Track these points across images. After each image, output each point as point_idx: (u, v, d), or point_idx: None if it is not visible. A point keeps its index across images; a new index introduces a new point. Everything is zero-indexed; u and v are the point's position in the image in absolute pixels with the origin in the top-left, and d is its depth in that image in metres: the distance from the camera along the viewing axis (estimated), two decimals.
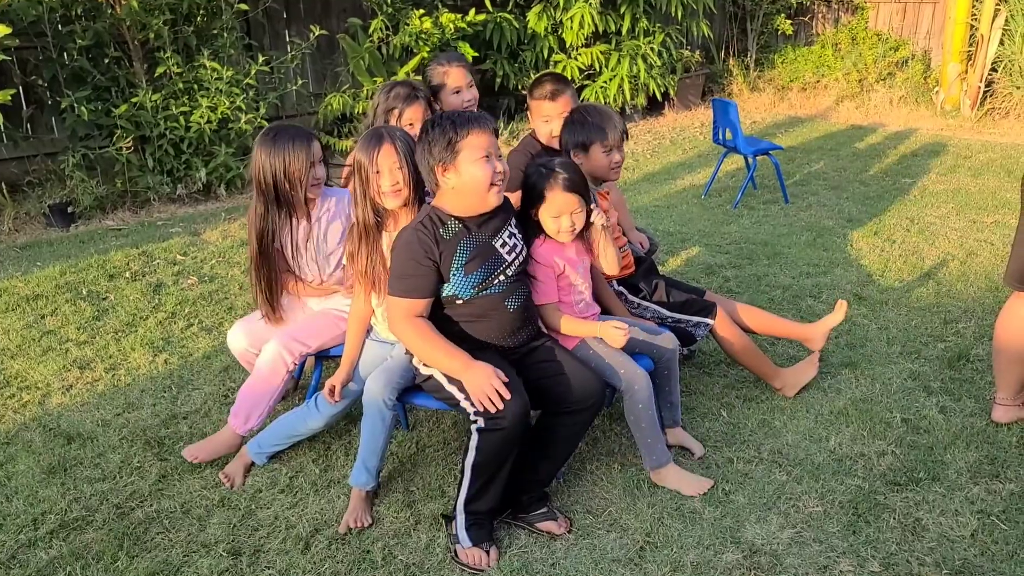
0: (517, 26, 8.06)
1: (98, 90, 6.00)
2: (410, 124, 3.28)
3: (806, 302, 4.26)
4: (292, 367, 2.98)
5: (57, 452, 3.06)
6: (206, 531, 2.64)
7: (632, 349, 2.82)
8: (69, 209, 5.75)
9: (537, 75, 3.63)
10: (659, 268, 3.75)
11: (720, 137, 6.27)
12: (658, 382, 2.93)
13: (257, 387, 2.97)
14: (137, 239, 5.39)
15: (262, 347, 2.99)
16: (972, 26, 8.66)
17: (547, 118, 3.27)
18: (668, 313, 3.23)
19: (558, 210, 2.68)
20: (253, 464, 2.94)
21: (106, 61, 5.99)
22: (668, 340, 2.92)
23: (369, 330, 2.90)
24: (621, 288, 3.26)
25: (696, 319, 3.22)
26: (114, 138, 5.82)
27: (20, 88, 6.12)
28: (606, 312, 3.04)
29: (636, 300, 3.26)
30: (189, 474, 2.92)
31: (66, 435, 3.16)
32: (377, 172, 2.61)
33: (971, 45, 8.69)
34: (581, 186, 2.70)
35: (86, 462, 3.00)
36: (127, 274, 4.78)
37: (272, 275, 3.03)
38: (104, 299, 4.44)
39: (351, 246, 2.74)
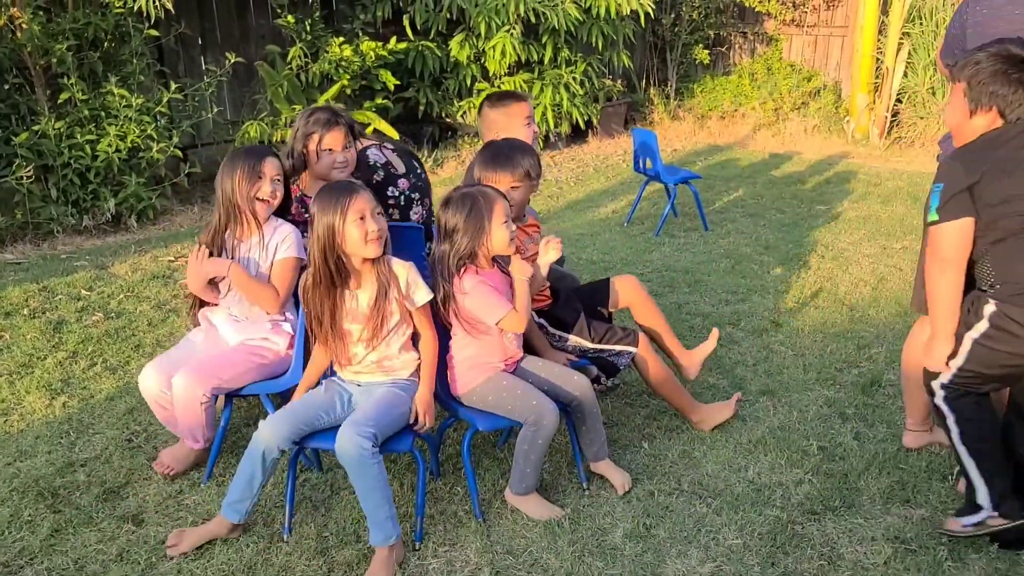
0: (440, 54, 8.05)
1: None
2: (329, 150, 3.22)
3: (725, 330, 4.29)
4: (205, 399, 2.84)
5: None
6: None
7: (542, 388, 2.79)
8: None
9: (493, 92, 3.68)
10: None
11: (641, 166, 6.34)
12: (574, 423, 2.91)
13: (184, 418, 2.89)
14: (38, 273, 5.12)
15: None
16: (878, 59, 9.02)
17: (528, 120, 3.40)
18: (590, 345, 3.20)
19: (507, 213, 2.73)
20: (234, 529, 2.68)
21: (5, 88, 5.73)
22: (579, 386, 2.84)
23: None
24: (542, 320, 3.22)
25: (618, 348, 3.20)
26: (13, 167, 5.55)
27: None
28: (527, 348, 3.00)
29: (557, 333, 3.22)
30: (84, 527, 2.75)
31: None
32: (362, 218, 2.54)
33: (878, 77, 9.04)
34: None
35: None
36: (25, 311, 4.53)
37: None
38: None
39: (306, 283, 2.66)
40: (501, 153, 3.02)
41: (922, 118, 8.85)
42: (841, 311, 4.55)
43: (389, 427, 2.61)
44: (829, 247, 5.69)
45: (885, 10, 8.91)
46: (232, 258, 2.97)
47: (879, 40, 9.00)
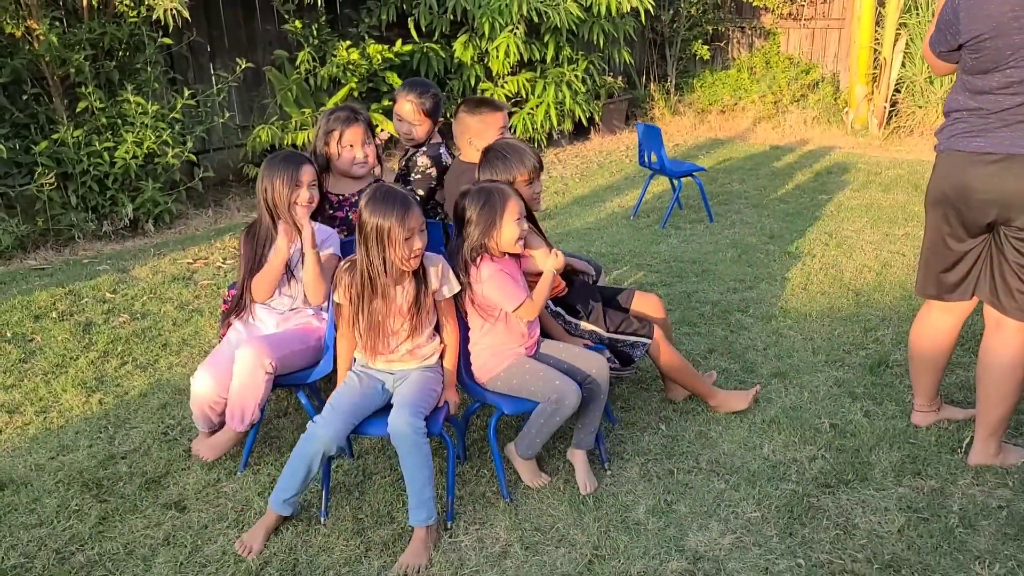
0: (444, 56, 8.18)
1: (16, 127, 5.85)
2: (350, 146, 3.37)
3: (734, 316, 4.42)
4: (272, 369, 2.95)
5: None
6: (152, 571, 2.60)
7: (561, 369, 2.92)
8: None
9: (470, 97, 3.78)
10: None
11: (646, 160, 6.46)
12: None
13: (242, 391, 2.98)
14: (62, 278, 5.25)
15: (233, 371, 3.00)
16: (876, 50, 9.13)
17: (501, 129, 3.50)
18: (605, 334, 3.32)
19: (519, 212, 2.84)
20: (284, 520, 2.80)
21: (24, 98, 5.85)
22: (596, 365, 2.94)
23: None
24: (558, 309, 3.34)
25: (633, 339, 3.31)
26: (35, 175, 5.68)
27: None
28: (544, 332, 3.13)
29: (574, 321, 3.35)
30: (131, 514, 2.87)
31: None
32: (409, 238, 2.64)
33: (875, 68, 9.16)
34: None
35: (20, 508, 2.92)
36: (54, 314, 4.66)
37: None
38: (30, 340, 4.32)
39: (349, 281, 2.76)
40: (506, 152, 3.13)
41: (920, 107, 8.97)
42: (847, 296, 4.67)
43: (429, 407, 2.75)
44: (833, 235, 5.81)
45: (882, 1, 9.02)
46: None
47: (876, 31, 9.11)
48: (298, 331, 3.13)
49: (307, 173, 3.10)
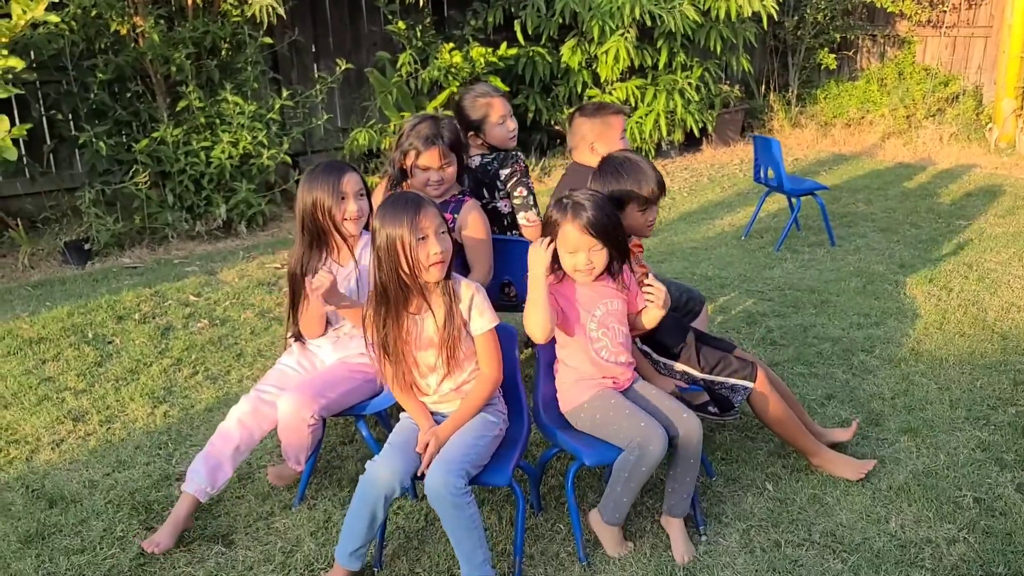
0: (550, 60, 7.87)
1: (119, 124, 5.88)
2: (424, 168, 3.09)
3: (858, 357, 3.90)
4: (313, 421, 2.67)
5: (37, 517, 2.81)
6: None
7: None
8: (86, 246, 5.60)
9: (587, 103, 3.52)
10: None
11: (762, 175, 5.95)
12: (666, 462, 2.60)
13: (287, 436, 2.73)
14: (151, 278, 5.20)
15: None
16: None
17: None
18: (699, 375, 2.90)
19: (573, 246, 2.47)
20: None
21: (128, 95, 5.88)
22: (687, 425, 2.51)
23: None
24: (645, 348, 2.94)
25: (732, 382, 2.88)
26: (132, 173, 5.68)
27: (43, 122, 6.02)
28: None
29: (662, 360, 2.94)
30: (174, 546, 2.65)
31: (49, 497, 2.91)
32: (424, 237, 2.33)
33: None
34: (603, 228, 2.46)
35: (66, 529, 2.75)
36: (136, 316, 4.58)
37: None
38: (110, 343, 4.23)
39: (368, 310, 2.48)
40: (623, 169, 2.79)
41: None
42: (991, 340, 4.08)
43: (481, 458, 2.40)
44: (973, 267, 5.16)
45: None
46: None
47: None
48: (349, 368, 2.82)
49: (351, 182, 2.75)
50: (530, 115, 8.17)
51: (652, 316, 2.64)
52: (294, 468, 2.83)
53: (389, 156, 3.21)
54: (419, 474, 2.36)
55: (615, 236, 2.51)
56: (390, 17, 7.32)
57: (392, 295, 2.38)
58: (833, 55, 9.94)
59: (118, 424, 3.44)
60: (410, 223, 2.30)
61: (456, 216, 3.18)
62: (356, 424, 2.90)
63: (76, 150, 6.06)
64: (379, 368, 2.51)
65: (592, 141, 3.29)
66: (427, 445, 2.37)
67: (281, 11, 5.77)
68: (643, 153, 8.42)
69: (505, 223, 3.52)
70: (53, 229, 5.88)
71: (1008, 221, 6.17)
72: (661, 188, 2.79)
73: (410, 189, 3.17)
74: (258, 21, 5.87)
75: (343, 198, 2.73)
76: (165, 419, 3.47)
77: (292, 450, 2.77)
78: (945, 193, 7.09)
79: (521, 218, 3.46)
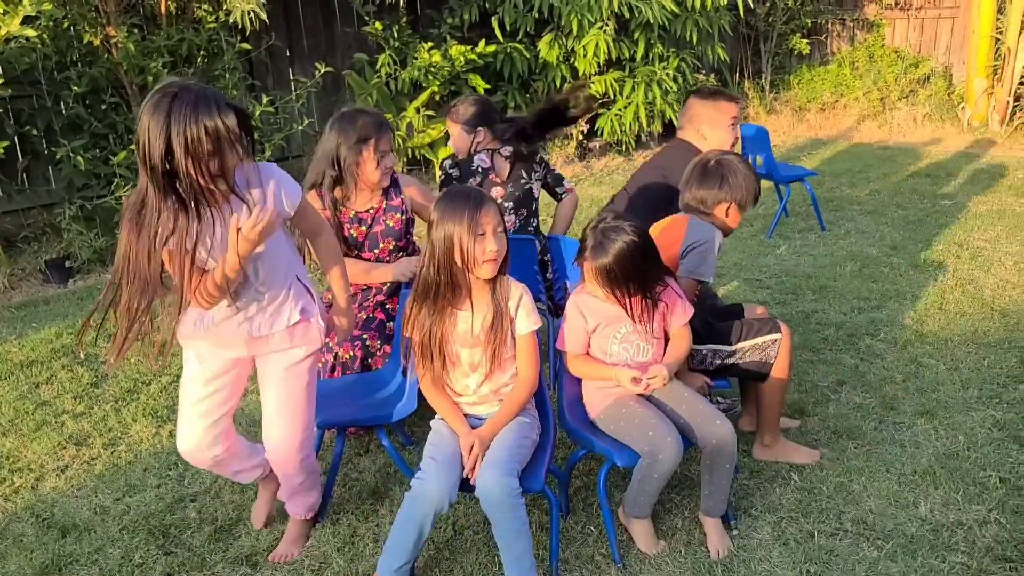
0: (528, 56, 7.81)
1: (95, 138, 5.72)
2: (383, 153, 3.11)
3: (864, 341, 3.91)
4: (302, 478, 2.58)
5: (51, 548, 2.71)
6: None
7: (677, 422, 2.52)
8: (67, 264, 5.45)
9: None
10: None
11: (751, 163, 5.94)
12: (702, 467, 2.56)
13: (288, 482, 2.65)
14: None
15: None
16: (997, 39, 8.38)
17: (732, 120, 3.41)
18: (729, 348, 2.87)
19: (589, 280, 2.53)
20: None
21: (103, 107, 5.73)
22: (719, 432, 2.46)
23: None
24: None
25: (762, 339, 2.85)
26: (113, 187, 5.54)
27: (15, 139, 5.85)
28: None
29: (694, 348, 2.91)
30: (197, 570, 2.58)
31: (61, 526, 2.82)
32: (482, 234, 2.28)
33: (997, 59, 8.40)
34: (618, 279, 2.46)
35: (83, 559, 2.66)
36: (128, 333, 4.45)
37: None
38: (103, 363, 4.11)
39: (410, 309, 2.43)
40: (728, 174, 2.82)
41: None
42: (992, 317, 4.11)
43: (524, 460, 2.36)
44: (964, 245, 5.21)
45: None
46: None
47: (998, 19, 8.35)
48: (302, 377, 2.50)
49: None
50: (510, 111, 8.10)
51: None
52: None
53: (317, 167, 3.14)
54: (471, 481, 2.30)
55: (629, 286, 2.47)
56: (366, 18, 7.22)
57: (440, 290, 2.34)
58: (805, 40, 10.00)
59: (123, 446, 3.34)
60: (470, 218, 2.26)
61: (401, 194, 3.26)
62: (377, 434, 2.84)
63: (51, 166, 5.90)
64: (417, 368, 2.46)
65: (700, 124, 3.42)
66: (470, 448, 2.32)
67: (264, 16, 5.65)
68: (623, 146, 8.42)
69: (534, 206, 3.66)
70: (32, 248, 5.72)
71: (990, 199, 6.23)
72: (756, 200, 2.88)
73: (364, 185, 3.13)
74: (240, 27, 5.75)
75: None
76: (171, 439, 3.37)
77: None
78: (925, 173, 7.16)
79: (564, 184, 3.76)
